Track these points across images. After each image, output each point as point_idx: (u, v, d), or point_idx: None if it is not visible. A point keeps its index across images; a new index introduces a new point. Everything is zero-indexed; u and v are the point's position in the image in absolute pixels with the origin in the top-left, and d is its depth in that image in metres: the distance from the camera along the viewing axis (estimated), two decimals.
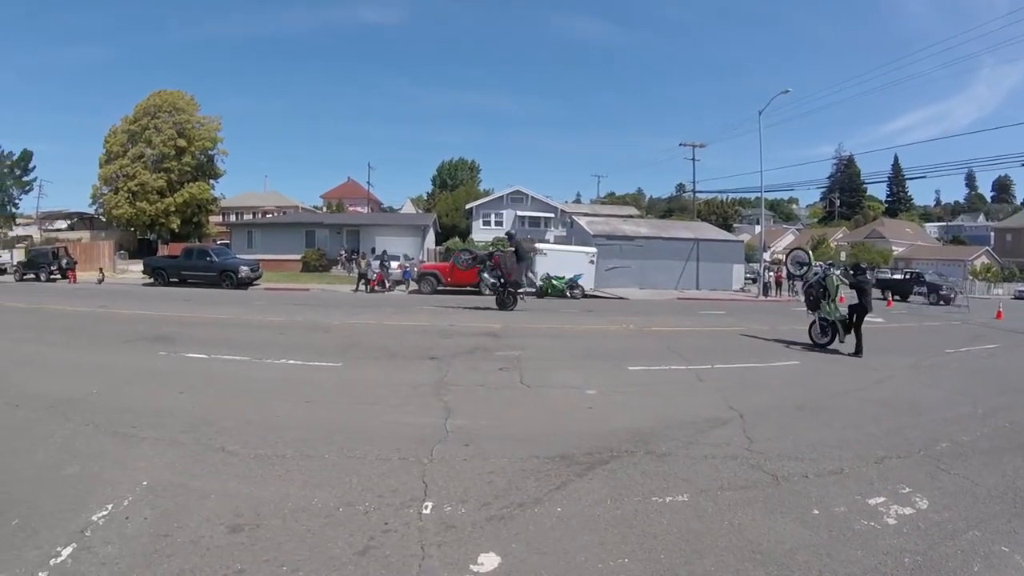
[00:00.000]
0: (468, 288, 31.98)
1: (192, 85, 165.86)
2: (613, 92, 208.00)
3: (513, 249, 24.72)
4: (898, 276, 50.57)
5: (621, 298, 33.73)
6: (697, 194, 67.02)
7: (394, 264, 36.79)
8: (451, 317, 20.17)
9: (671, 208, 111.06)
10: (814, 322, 16.07)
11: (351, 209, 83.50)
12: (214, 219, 72.38)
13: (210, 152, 65.87)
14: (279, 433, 7.15)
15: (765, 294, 40.64)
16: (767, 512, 5.24)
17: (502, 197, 67.87)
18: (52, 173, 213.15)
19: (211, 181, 66.61)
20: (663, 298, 34.88)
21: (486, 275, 24.14)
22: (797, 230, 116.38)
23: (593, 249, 37.08)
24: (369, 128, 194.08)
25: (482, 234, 61.79)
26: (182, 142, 61.07)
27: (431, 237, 55.65)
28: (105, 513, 5.11)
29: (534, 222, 66.01)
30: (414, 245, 48.89)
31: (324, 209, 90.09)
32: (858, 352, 14.52)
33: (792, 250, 22.06)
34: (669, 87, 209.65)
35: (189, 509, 5.18)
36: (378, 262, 34.70)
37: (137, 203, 59.49)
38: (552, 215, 66.75)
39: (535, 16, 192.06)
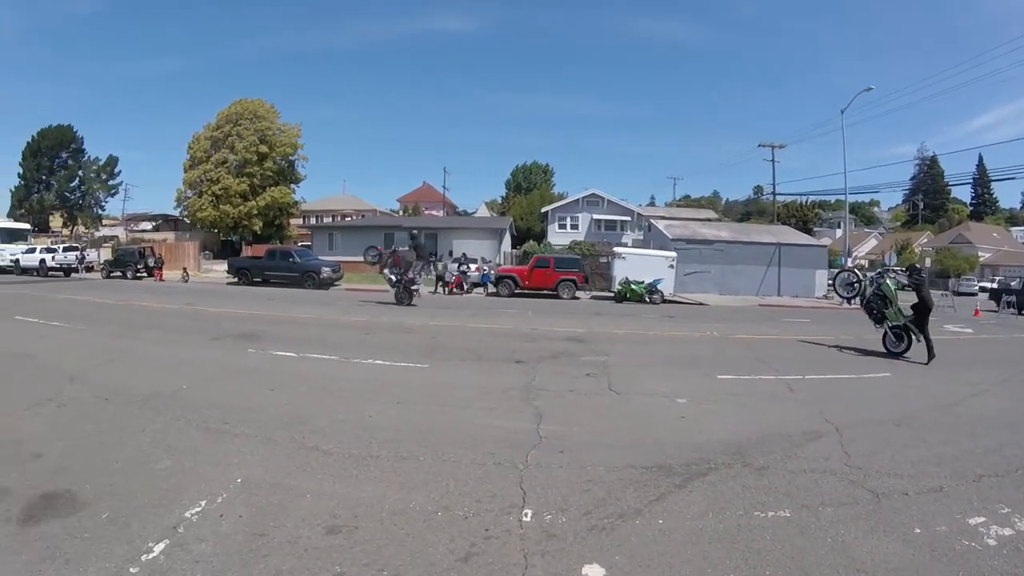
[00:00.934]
0: (546, 292, 31.73)
1: (272, 94, 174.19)
2: (689, 93, 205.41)
3: (412, 249, 25.40)
4: (988, 285, 48.01)
5: (701, 304, 32.87)
6: (776, 196, 64.76)
7: (472, 267, 36.77)
8: (532, 321, 19.95)
9: (748, 211, 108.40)
10: (886, 333, 15.66)
11: (427, 212, 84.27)
12: (295, 222, 74.07)
13: (291, 158, 67.41)
14: (372, 433, 7.05)
15: (848, 302, 38.51)
16: (869, 530, 4.97)
17: (578, 200, 66.99)
18: (137, 178, 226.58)
19: (292, 185, 68.19)
20: (744, 305, 33.82)
21: (387, 271, 24.86)
22: (880, 234, 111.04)
23: (673, 253, 36.27)
24: (444, 133, 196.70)
25: (558, 237, 60.90)
26: (264, 148, 62.66)
27: (507, 240, 55.62)
28: (198, 509, 5.05)
29: (610, 225, 64.99)
30: (491, 248, 49.02)
31: (400, 213, 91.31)
32: (930, 354, 14.23)
33: (838, 272, 20.94)
34: (746, 87, 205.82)
35: (285, 508, 5.08)
36: (456, 265, 34.75)
37: (221, 206, 61.41)
38: (628, 218, 65.51)
39: (609, 17, 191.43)
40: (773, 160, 58.49)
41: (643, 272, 32.60)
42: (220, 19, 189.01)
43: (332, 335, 15.54)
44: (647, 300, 31.46)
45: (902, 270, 17.44)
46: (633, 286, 31.74)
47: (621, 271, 33.39)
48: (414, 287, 25.24)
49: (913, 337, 14.99)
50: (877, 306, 15.85)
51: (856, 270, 20.64)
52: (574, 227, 64.39)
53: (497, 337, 15.62)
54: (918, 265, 18.58)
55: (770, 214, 69.30)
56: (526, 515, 4.95)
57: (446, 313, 21.78)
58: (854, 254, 55.05)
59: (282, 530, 4.67)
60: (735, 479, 5.96)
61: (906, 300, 15.53)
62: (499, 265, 41.65)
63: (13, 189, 79.94)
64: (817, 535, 4.82)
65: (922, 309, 15.05)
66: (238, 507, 5.08)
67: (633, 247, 46.06)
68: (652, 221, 52.49)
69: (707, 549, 4.52)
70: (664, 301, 32.00)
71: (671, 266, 34.36)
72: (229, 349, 12.78)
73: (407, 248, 26.00)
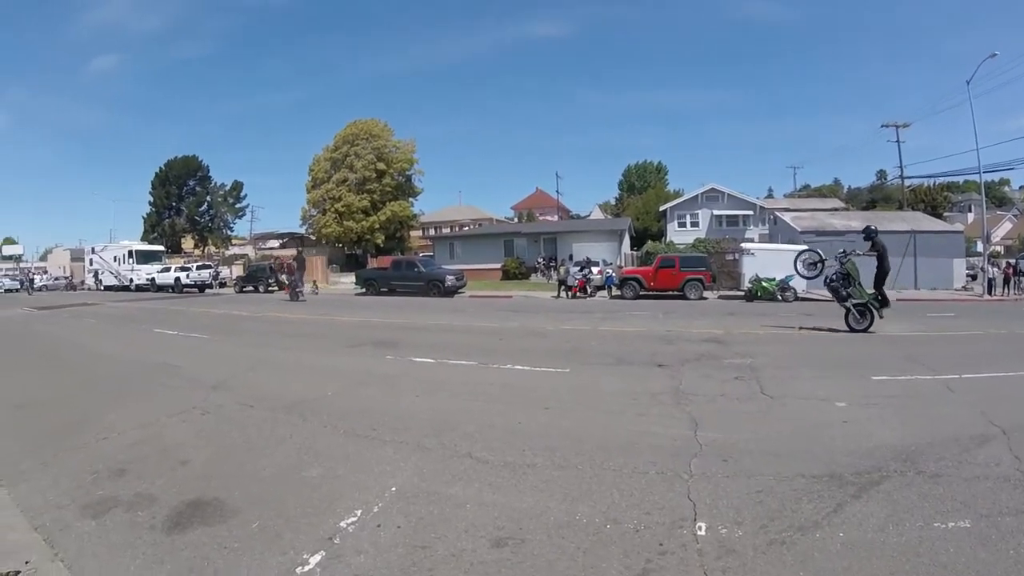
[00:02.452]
0: (672, 293, 30.80)
1: (386, 113, 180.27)
2: (800, 76, 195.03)
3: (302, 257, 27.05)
4: None
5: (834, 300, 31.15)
6: (905, 180, 59.93)
7: (594, 270, 36.26)
8: (664, 323, 19.26)
9: (873, 198, 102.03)
10: (848, 311, 16.53)
11: (540, 218, 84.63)
12: (415, 233, 76.02)
13: (407, 172, 69.41)
14: (524, 441, 6.71)
15: (990, 292, 34.85)
16: None
17: (696, 196, 63.95)
18: (262, 200, 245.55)
19: (410, 199, 70.26)
20: None
21: (282, 276, 29.25)
22: (1014, 216, 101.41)
23: (803, 247, 34.42)
24: (553, 138, 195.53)
25: (678, 236, 58.46)
26: (381, 165, 64.84)
27: (627, 242, 54.70)
28: (354, 519, 4.83)
29: (731, 221, 61.81)
30: (610, 250, 48.08)
31: (515, 219, 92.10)
32: (884, 303, 16.23)
33: (800, 252, 19.99)
34: (862, 64, 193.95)
35: (445, 519, 4.79)
36: (578, 268, 34.30)
37: (344, 222, 63.87)
38: (750, 212, 62.01)
39: (707, 5, 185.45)
40: (898, 141, 54.45)
41: (773, 268, 30.93)
42: (329, 49, 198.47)
43: (465, 341, 15.41)
44: (779, 298, 29.89)
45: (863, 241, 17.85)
46: (764, 283, 30.21)
47: (750, 268, 31.83)
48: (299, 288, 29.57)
49: (876, 313, 16.20)
50: (842, 284, 16.53)
51: (817, 250, 20.06)
52: (694, 224, 61.77)
53: (633, 340, 15.07)
54: (873, 227, 18.15)
55: (896, 200, 64.70)
56: (700, 528, 4.54)
57: (575, 317, 21.38)
58: (991, 239, 50.50)
59: (444, 542, 4.38)
60: (910, 487, 5.44)
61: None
62: (621, 267, 40.86)
63: (145, 215, 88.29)
64: (999, 547, 4.33)
65: (881, 275, 16.42)
66: (396, 517, 4.83)
67: (759, 242, 44.25)
68: (777, 214, 49.99)
69: (892, 563, 4.11)
70: (797, 298, 30.48)
71: None
72: (368, 356, 12.82)
73: (295, 259, 27.90)
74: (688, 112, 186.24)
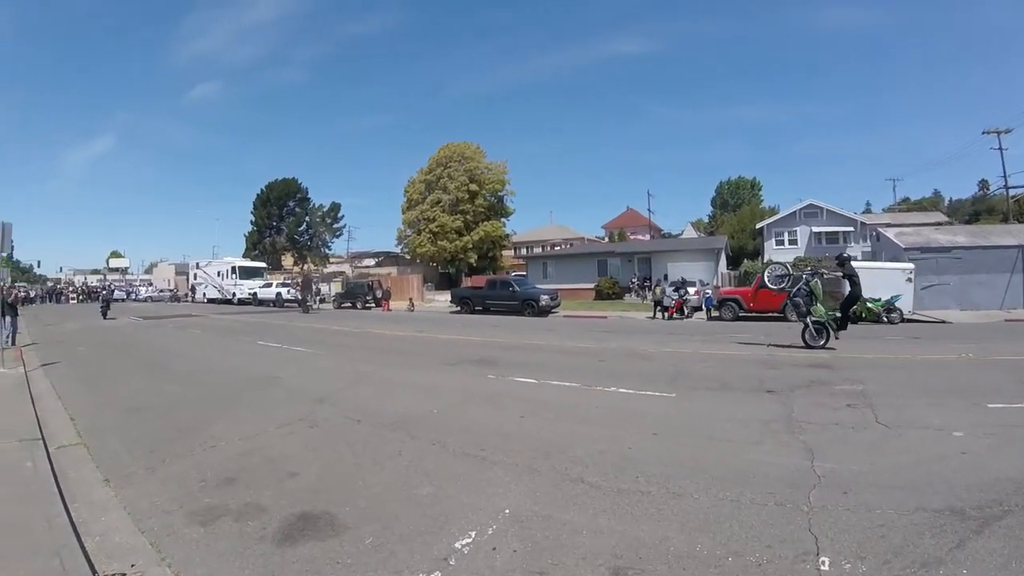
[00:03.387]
0: (772, 314, 29.79)
1: (477, 135, 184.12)
2: (895, 84, 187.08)
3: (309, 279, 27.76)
4: None
5: (942, 321, 29.05)
6: (1009, 190, 56.12)
7: (690, 290, 35.50)
8: (767, 346, 18.65)
9: (976, 210, 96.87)
10: (806, 327, 17.05)
11: (632, 237, 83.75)
12: (506, 253, 76.49)
13: (499, 193, 70.51)
14: (636, 467, 6.49)
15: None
16: None
17: (794, 213, 61.24)
18: (358, 220, 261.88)
19: (502, 219, 71.18)
20: (988, 320, 28.94)
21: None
22: None
23: (910, 265, 32.23)
24: (643, 156, 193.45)
25: (775, 254, 55.70)
26: (474, 187, 66.18)
27: (723, 261, 53.44)
28: (468, 541, 4.73)
29: (831, 238, 59.03)
30: (706, 269, 46.97)
31: (605, 239, 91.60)
32: (843, 326, 17.10)
33: (768, 263, 20.23)
34: (958, 69, 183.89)
35: (561, 545, 4.64)
36: (673, 288, 33.60)
37: (438, 242, 65.38)
38: (851, 229, 58.74)
39: (800, 16, 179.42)
40: (1000, 148, 51.50)
41: (877, 288, 29.29)
42: (420, 74, 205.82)
43: (565, 361, 15.22)
44: (884, 319, 28.42)
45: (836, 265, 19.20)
46: (869, 304, 28.75)
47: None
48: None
49: (832, 333, 16.79)
50: (804, 301, 17.22)
51: (786, 264, 21.62)
52: (792, 242, 59.33)
53: (737, 364, 14.60)
54: (846, 255, 19.48)
55: (1001, 211, 61.04)
56: (823, 563, 4.32)
57: (674, 339, 20.88)
58: None
59: (562, 569, 4.25)
60: None
61: None
62: (718, 287, 39.82)
63: (247, 234, 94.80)
64: None
65: (852, 300, 17.38)
66: (511, 540, 4.71)
67: (862, 260, 42.30)
68: (880, 230, 47.68)
69: None
70: (903, 320, 28.90)
71: (909, 279, 30.83)
72: (468, 375, 12.79)
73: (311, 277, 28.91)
74: (779, 126, 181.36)
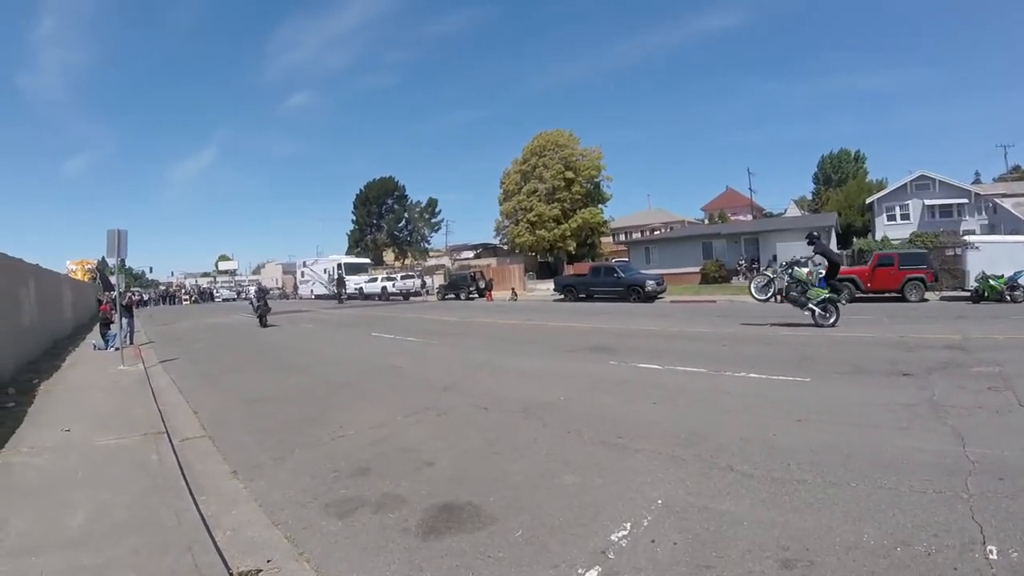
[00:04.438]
0: (890, 294, 28.30)
1: (570, 122, 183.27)
2: (1001, 46, 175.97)
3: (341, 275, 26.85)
4: None
5: None
6: None
7: (803, 271, 34.13)
8: (892, 327, 17.78)
9: None
10: (813, 311, 17.38)
11: (732, 218, 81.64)
12: (605, 240, 75.92)
13: (596, 180, 69.83)
14: (784, 455, 6.22)
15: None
16: None
17: (905, 186, 55.98)
18: (455, 215, 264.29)
19: (599, 205, 70.45)
20: None
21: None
22: None
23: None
24: (740, 135, 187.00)
25: (888, 230, 52.88)
26: (569, 174, 65.70)
27: (833, 239, 51.10)
28: (624, 533, 4.55)
29: (945, 211, 54.07)
30: None
31: (705, 221, 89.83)
32: (839, 292, 18.01)
33: (751, 280, 19.49)
34: None
35: (723, 536, 4.44)
36: (782, 269, 32.35)
37: (536, 231, 65.37)
38: (966, 201, 54.55)
39: None
40: None
41: (1001, 264, 27.41)
42: (508, 66, 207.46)
43: (684, 347, 14.87)
44: (1007, 298, 26.39)
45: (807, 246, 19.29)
46: (992, 281, 26.85)
47: (975, 264, 28.03)
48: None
49: (839, 308, 17.36)
50: (798, 292, 17.77)
51: (766, 271, 20.79)
52: (904, 217, 54.53)
53: (865, 346, 13.93)
54: (814, 233, 19.97)
55: None
56: (991, 552, 4.09)
57: (792, 322, 20.19)
58: None
59: (728, 562, 4.05)
60: None
61: None
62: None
63: (349, 232, 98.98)
64: None
65: (834, 269, 18.25)
66: (670, 532, 4.51)
67: (981, 234, 39.67)
68: (997, 201, 44.99)
69: None
70: None
71: None
72: (589, 361, 12.60)
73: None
74: (881, 95, 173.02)
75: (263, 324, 24.85)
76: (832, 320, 17.11)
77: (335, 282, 51.87)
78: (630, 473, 5.74)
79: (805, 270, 17.88)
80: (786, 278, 18.02)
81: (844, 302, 17.10)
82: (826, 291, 17.50)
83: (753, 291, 19.39)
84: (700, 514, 4.77)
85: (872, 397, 8.77)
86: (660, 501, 5.04)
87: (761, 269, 35.16)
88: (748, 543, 4.30)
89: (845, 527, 4.52)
